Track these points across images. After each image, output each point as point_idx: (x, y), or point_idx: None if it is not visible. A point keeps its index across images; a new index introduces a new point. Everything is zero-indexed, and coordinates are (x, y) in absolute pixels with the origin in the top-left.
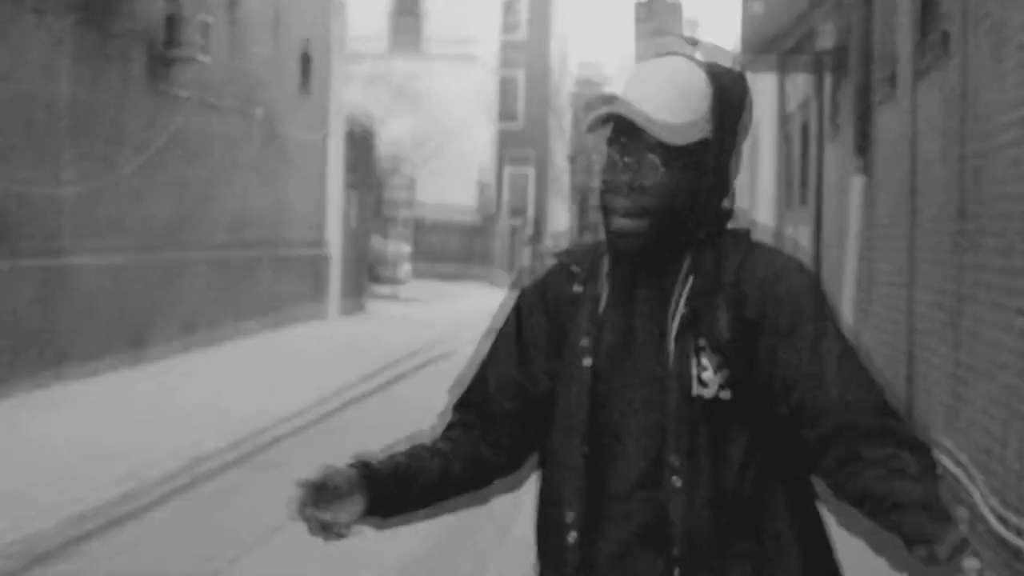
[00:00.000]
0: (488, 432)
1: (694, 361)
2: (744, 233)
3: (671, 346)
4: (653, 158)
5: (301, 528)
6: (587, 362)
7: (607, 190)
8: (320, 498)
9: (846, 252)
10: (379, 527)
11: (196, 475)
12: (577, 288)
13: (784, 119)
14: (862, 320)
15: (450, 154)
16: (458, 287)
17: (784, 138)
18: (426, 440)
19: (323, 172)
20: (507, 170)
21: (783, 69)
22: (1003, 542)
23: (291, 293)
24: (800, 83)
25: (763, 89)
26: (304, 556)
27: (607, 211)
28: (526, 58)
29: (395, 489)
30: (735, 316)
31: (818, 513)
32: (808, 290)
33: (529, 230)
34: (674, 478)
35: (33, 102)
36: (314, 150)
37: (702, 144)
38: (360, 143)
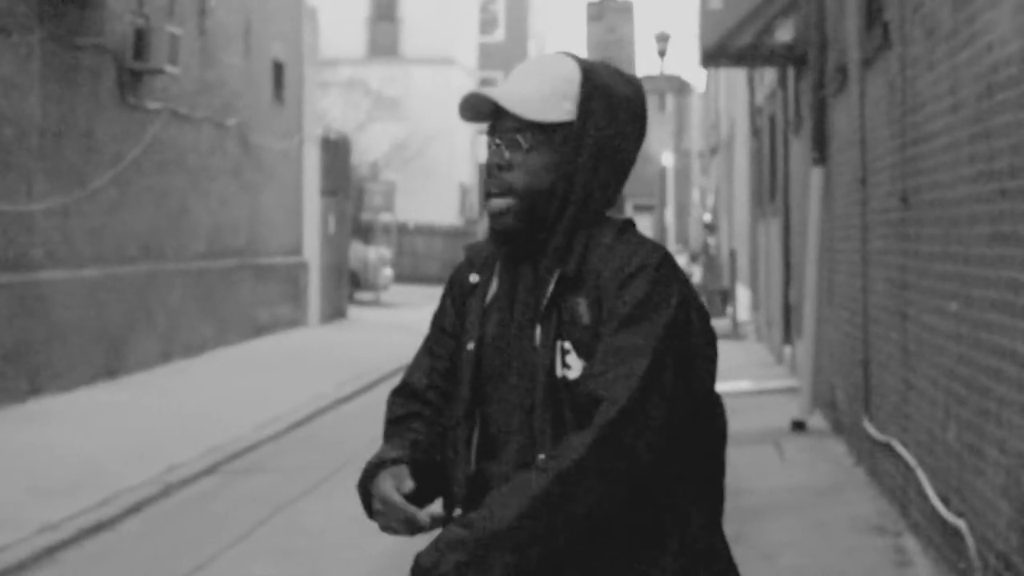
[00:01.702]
0: (428, 416)
1: (559, 346)
2: (621, 223)
3: (538, 332)
4: (519, 139)
5: (272, 532)
6: (470, 346)
7: (486, 175)
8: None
9: (807, 244)
10: None
11: (170, 484)
12: (473, 278)
13: (754, 112)
14: (826, 307)
15: (431, 158)
16: (441, 292)
17: (754, 131)
18: (400, 433)
19: (299, 180)
20: None
21: (745, 63)
22: (945, 523)
23: (270, 302)
24: (768, 76)
25: (736, 83)
26: (274, 559)
27: (486, 196)
28: (504, 59)
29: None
30: (594, 304)
31: (704, 499)
32: (645, 288)
33: None
34: (541, 457)
35: (2, 119)
36: (289, 158)
37: (567, 128)
38: (335, 150)
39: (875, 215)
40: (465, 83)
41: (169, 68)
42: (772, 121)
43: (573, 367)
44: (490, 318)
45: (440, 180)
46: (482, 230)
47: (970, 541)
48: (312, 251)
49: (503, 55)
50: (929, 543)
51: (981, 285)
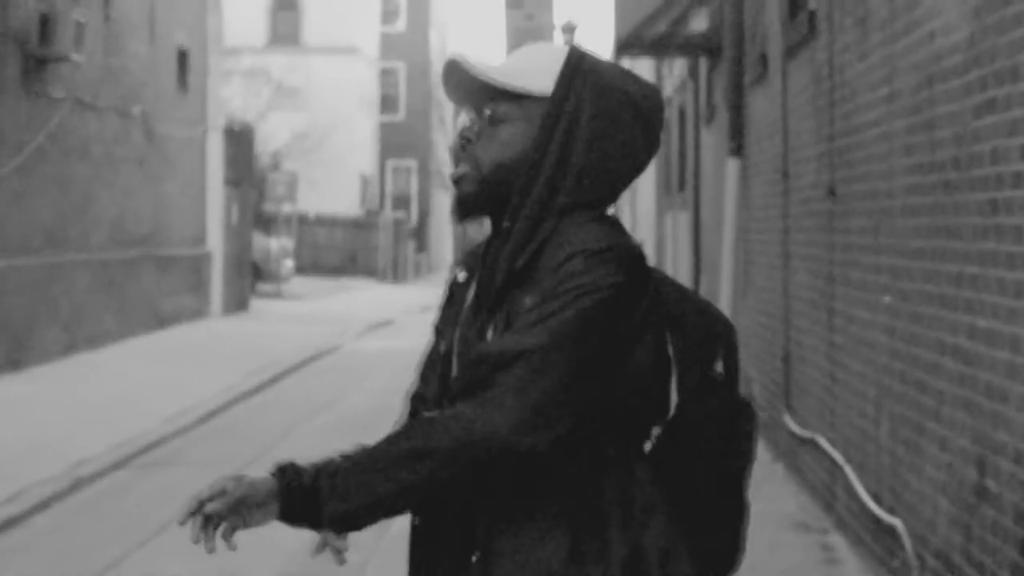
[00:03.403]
0: None
1: None
2: (593, 215)
3: (489, 331)
4: (487, 110)
5: (186, 528)
6: (442, 347)
7: (455, 146)
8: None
9: (723, 235)
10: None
11: (79, 478)
12: (461, 276)
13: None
14: (740, 302)
15: (332, 148)
16: (342, 283)
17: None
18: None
19: (202, 169)
20: (390, 163)
21: (659, 53)
22: (878, 521)
23: (173, 293)
24: (677, 67)
25: (640, 73)
26: (188, 555)
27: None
28: (406, 49)
29: None
30: (537, 299)
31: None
32: (576, 268)
33: (413, 223)
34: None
35: None
36: (193, 148)
37: (541, 103)
38: (239, 139)
39: (798, 207)
40: (366, 73)
41: (74, 55)
42: (681, 112)
43: None
44: (463, 318)
45: (341, 171)
46: (383, 221)
47: (907, 540)
48: (215, 242)
49: (405, 45)
50: (858, 541)
51: (919, 279)
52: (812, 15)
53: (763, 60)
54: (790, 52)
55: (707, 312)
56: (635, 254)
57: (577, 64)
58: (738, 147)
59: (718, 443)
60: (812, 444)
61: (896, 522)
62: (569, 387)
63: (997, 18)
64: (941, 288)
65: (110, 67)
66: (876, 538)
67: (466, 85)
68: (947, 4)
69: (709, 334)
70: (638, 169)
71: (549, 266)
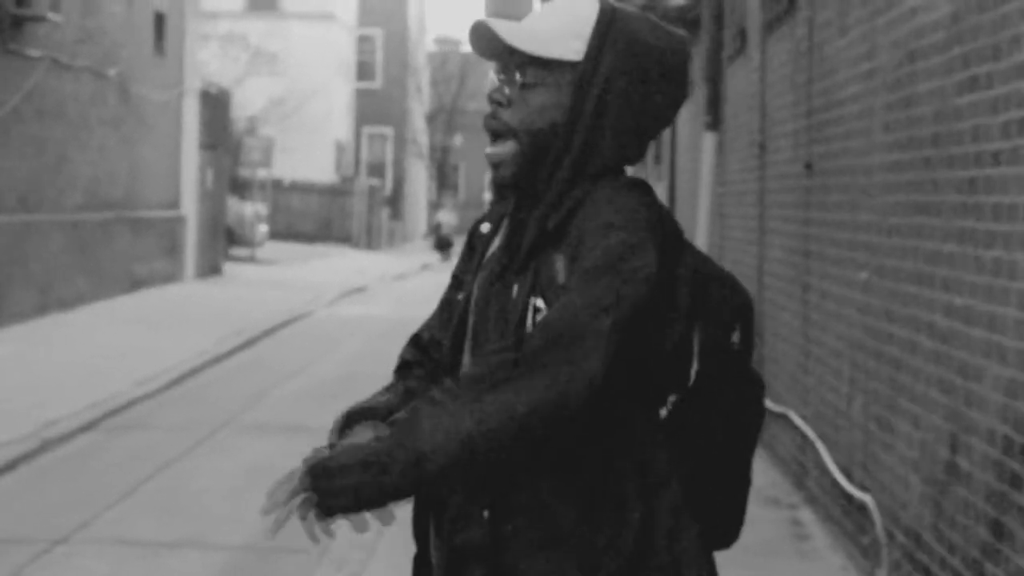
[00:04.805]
0: (429, 366)
1: (531, 303)
2: (626, 180)
3: (515, 288)
4: (518, 75)
5: (155, 490)
6: (460, 297)
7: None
8: None
9: (698, 209)
10: None
11: (47, 440)
12: (484, 227)
13: None
14: None
15: (308, 115)
16: (316, 249)
17: None
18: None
19: (178, 133)
20: (365, 130)
21: None
22: (849, 497)
23: (147, 256)
24: None
25: None
26: (157, 517)
27: (490, 136)
28: (384, 16)
29: None
30: (570, 262)
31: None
32: (607, 243)
33: (387, 191)
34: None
35: None
36: (169, 111)
37: (572, 68)
38: (215, 103)
39: (774, 182)
40: (344, 39)
41: (51, 15)
42: None
43: None
44: (484, 270)
45: (317, 137)
46: (358, 188)
47: (877, 516)
48: (190, 205)
49: (382, 12)
50: (827, 516)
51: (896, 256)
52: None
53: (742, 34)
54: (769, 27)
55: (727, 282)
56: (672, 230)
57: (608, 25)
58: (715, 121)
59: (730, 415)
60: (784, 419)
61: (867, 499)
62: (619, 358)
63: None
64: (918, 265)
65: (87, 28)
66: (846, 514)
67: (495, 46)
68: None
69: (729, 304)
70: (666, 123)
71: (584, 228)
